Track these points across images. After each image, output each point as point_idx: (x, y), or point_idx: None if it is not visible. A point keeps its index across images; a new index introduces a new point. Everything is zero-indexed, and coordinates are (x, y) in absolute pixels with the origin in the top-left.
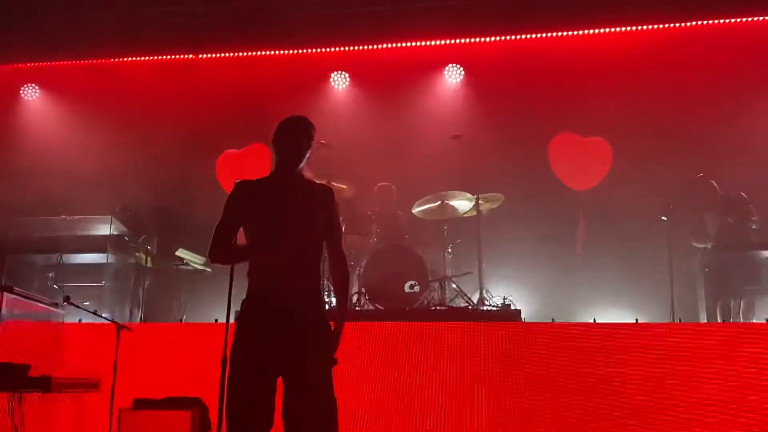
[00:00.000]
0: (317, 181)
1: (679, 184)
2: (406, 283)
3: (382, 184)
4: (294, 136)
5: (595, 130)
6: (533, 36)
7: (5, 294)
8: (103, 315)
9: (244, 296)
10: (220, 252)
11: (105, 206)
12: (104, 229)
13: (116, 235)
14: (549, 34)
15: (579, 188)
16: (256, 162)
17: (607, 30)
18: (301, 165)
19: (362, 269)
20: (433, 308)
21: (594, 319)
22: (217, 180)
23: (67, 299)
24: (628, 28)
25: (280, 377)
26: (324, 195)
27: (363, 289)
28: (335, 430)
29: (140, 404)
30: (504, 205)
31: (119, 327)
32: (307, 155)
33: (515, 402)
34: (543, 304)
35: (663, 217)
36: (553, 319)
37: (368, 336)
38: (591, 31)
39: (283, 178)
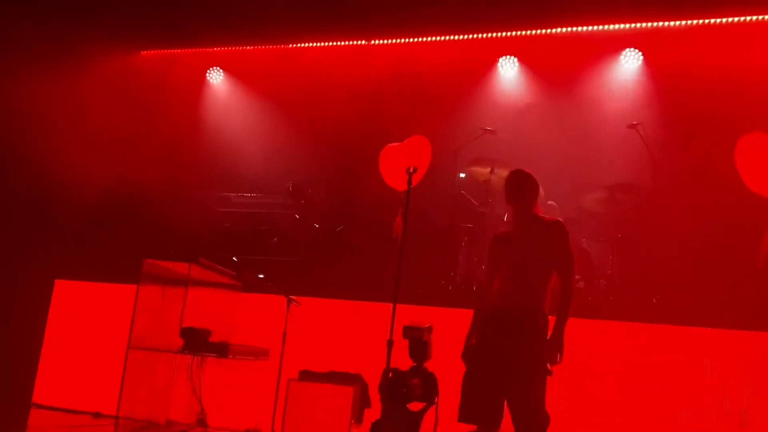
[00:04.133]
0: (546, 217)
1: None
2: None
3: None
4: (518, 188)
5: None
6: (720, 20)
7: (192, 263)
8: (275, 287)
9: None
10: (480, 300)
11: (279, 184)
12: (278, 206)
13: (288, 212)
14: (738, 18)
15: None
16: (416, 154)
17: None
18: (531, 207)
19: None
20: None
21: None
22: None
23: (244, 271)
24: None
25: (504, 375)
26: (551, 230)
27: None
28: (541, 423)
29: (306, 375)
30: (679, 202)
31: (289, 300)
32: (535, 200)
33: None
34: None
35: None
36: None
37: None
38: None
39: (518, 221)
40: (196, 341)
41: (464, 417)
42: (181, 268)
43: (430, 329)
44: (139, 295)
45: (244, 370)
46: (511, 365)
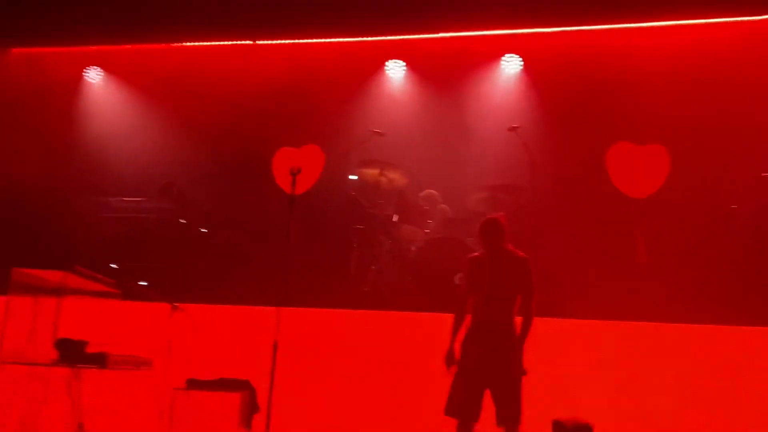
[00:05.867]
0: (516, 251)
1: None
2: (455, 275)
3: (425, 192)
4: (494, 234)
5: (657, 128)
6: (594, 27)
7: (67, 272)
8: (158, 295)
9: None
10: (458, 312)
11: (162, 188)
12: (161, 210)
13: (173, 217)
14: (610, 26)
15: (638, 196)
16: (310, 161)
17: (676, 23)
18: (504, 244)
19: (412, 259)
20: None
21: None
22: (273, 174)
23: (124, 279)
24: (700, 21)
25: (486, 377)
26: (518, 263)
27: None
28: (518, 413)
29: (192, 384)
30: (557, 201)
31: (173, 307)
32: (506, 238)
33: None
34: None
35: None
36: None
37: (413, 326)
38: (655, 24)
39: (495, 255)
40: (72, 353)
41: (451, 412)
42: (54, 276)
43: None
44: (8, 307)
45: (127, 382)
46: (495, 369)
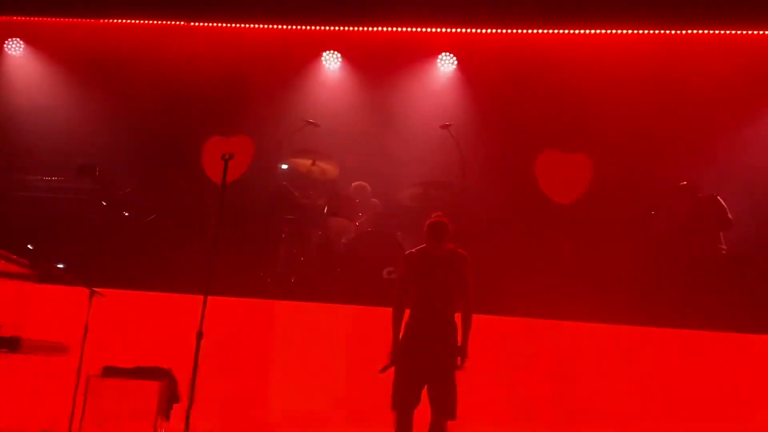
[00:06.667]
0: (456, 249)
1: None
2: (384, 269)
3: (356, 183)
4: (442, 236)
5: (583, 134)
6: (529, 31)
7: None
8: (76, 278)
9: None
10: (397, 307)
11: (83, 166)
12: (82, 191)
13: (94, 198)
14: (545, 31)
15: (563, 201)
16: (240, 151)
17: (605, 32)
18: (443, 243)
19: (342, 252)
20: None
21: None
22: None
23: (40, 260)
24: (625, 31)
25: (427, 371)
26: (459, 261)
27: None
28: (455, 406)
29: (109, 372)
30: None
31: (92, 292)
32: (446, 239)
33: None
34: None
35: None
36: None
37: (340, 318)
38: (587, 32)
39: (432, 252)
40: None
41: (395, 406)
42: None
43: None
44: None
45: (41, 368)
46: (434, 363)
